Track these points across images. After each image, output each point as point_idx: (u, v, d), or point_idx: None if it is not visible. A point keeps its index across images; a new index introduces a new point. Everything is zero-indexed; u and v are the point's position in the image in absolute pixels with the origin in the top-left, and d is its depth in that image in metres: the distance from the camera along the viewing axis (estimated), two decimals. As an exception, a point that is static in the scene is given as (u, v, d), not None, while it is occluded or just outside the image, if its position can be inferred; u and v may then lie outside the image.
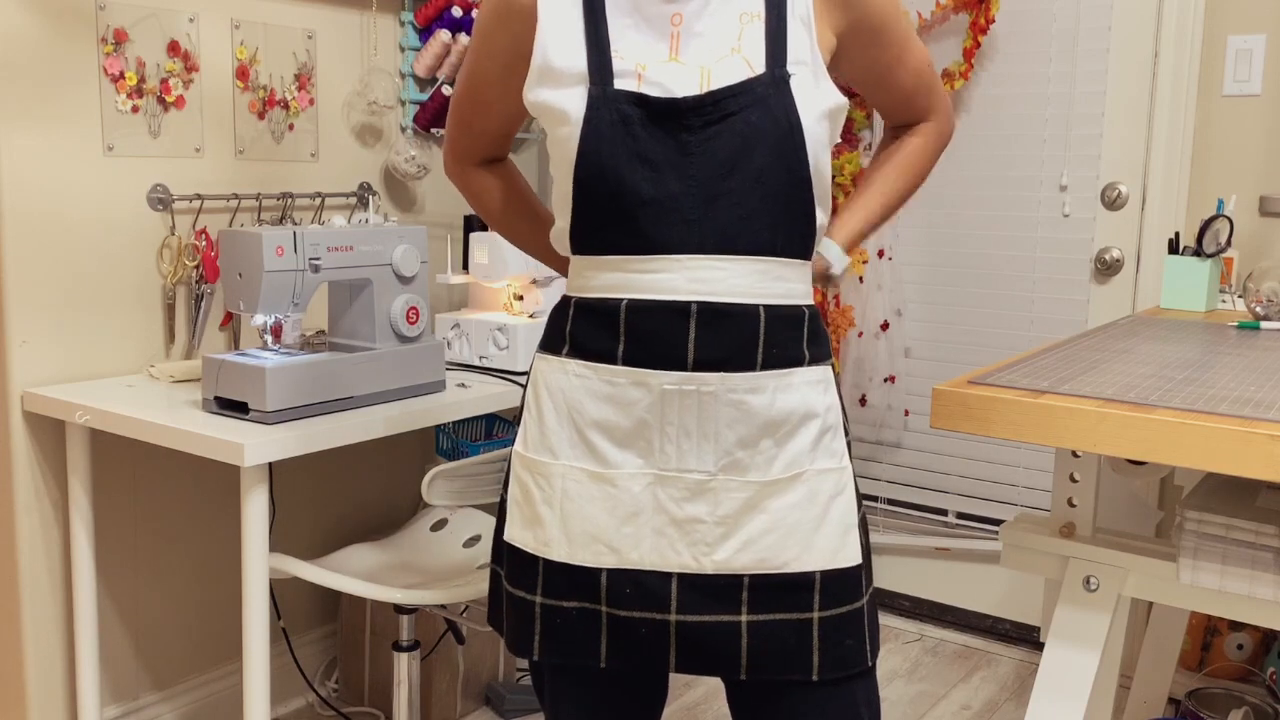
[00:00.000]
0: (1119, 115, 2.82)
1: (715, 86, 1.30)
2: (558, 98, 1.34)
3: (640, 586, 1.35)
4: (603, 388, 1.36)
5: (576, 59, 1.33)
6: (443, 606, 2.12)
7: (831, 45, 1.38)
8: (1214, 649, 2.70)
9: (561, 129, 1.33)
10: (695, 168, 1.30)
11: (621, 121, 1.30)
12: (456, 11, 2.67)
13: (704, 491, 1.34)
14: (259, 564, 1.88)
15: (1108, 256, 2.87)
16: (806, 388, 1.37)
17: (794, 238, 1.35)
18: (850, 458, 1.42)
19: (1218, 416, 1.39)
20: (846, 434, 1.43)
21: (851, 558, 1.38)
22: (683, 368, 1.32)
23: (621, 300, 1.34)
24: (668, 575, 1.35)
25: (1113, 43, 2.81)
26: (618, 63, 1.31)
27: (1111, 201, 2.86)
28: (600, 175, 1.31)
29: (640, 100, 1.30)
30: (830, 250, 1.48)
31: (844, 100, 1.36)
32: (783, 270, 1.35)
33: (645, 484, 1.35)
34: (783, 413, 1.35)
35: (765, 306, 1.34)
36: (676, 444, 1.34)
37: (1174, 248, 2.50)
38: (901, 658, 3.08)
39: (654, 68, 1.31)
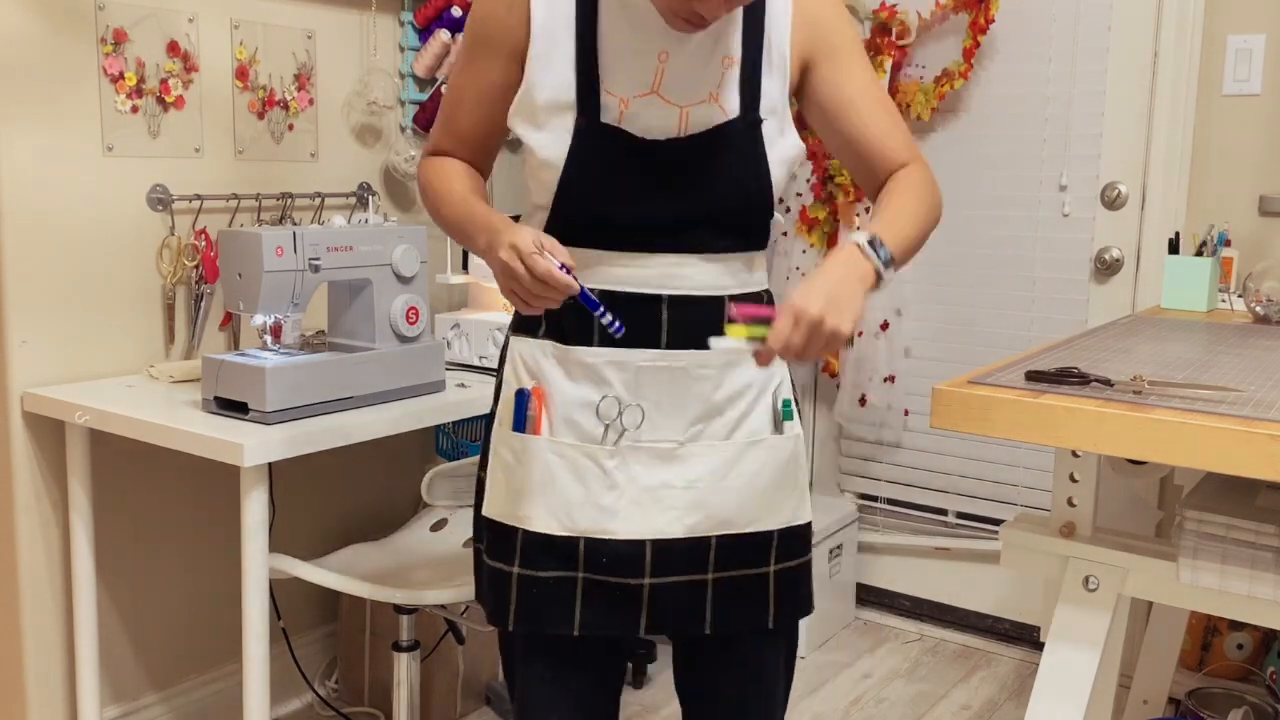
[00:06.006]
0: (1119, 115, 2.82)
1: (693, 130, 1.39)
2: (545, 124, 1.39)
3: (616, 555, 1.44)
4: (579, 367, 1.44)
5: (565, 89, 1.38)
6: (443, 606, 2.12)
7: (795, 81, 1.46)
8: (1214, 649, 2.70)
9: (544, 154, 1.40)
10: (671, 198, 1.40)
11: (604, 155, 1.39)
12: (456, 11, 2.67)
13: (673, 459, 1.44)
14: (259, 564, 1.88)
15: (1108, 256, 2.87)
16: (773, 366, 1.49)
17: (756, 240, 1.48)
18: (800, 423, 1.54)
19: (1218, 416, 1.39)
20: (796, 403, 1.55)
21: (804, 515, 1.53)
22: (657, 346, 1.43)
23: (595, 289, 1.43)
24: (642, 543, 1.44)
25: (1113, 43, 2.81)
26: (604, 96, 1.38)
27: (1111, 201, 2.86)
28: (582, 203, 1.40)
29: (622, 136, 1.38)
30: (856, 237, 1.34)
31: (802, 147, 1.47)
32: (743, 264, 1.47)
33: (621, 456, 1.44)
34: (744, 384, 1.47)
35: (730, 296, 1.46)
36: (650, 416, 1.44)
37: (1174, 247, 2.50)
38: (901, 658, 3.08)
39: (635, 101, 1.39)
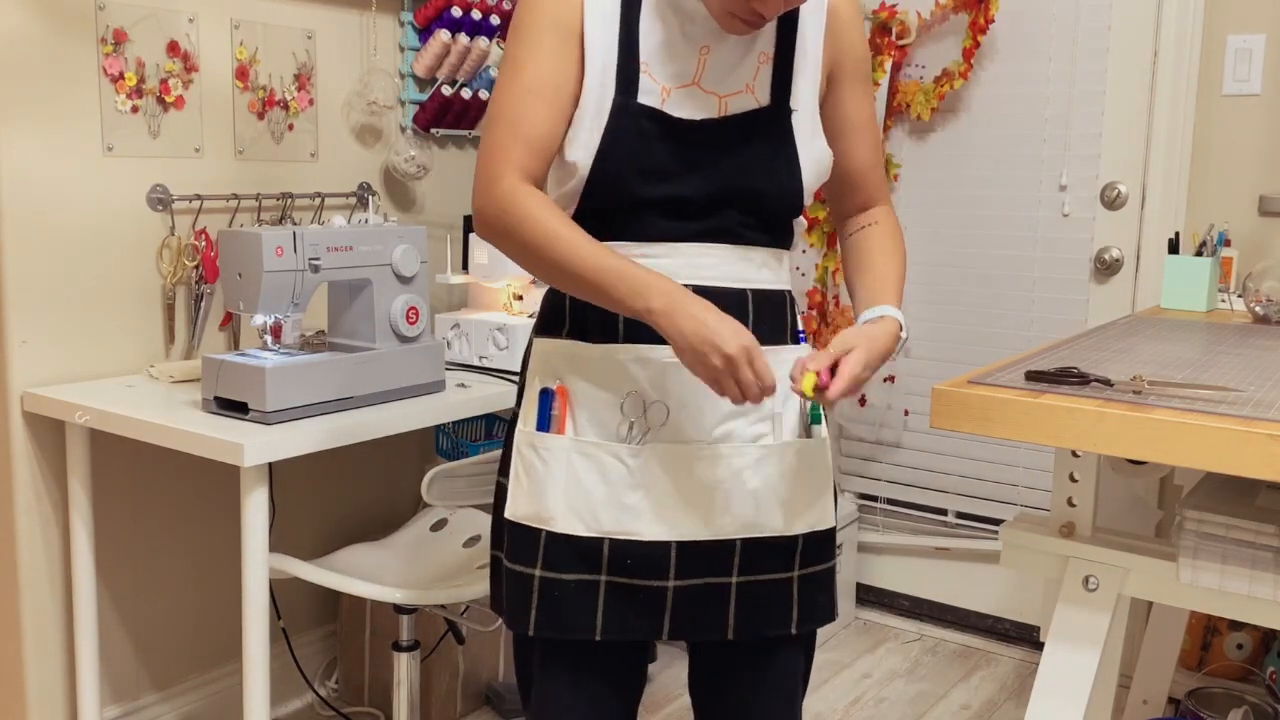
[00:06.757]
0: (1119, 115, 2.82)
1: (730, 114, 1.41)
2: (584, 109, 1.39)
3: (641, 556, 1.42)
4: (604, 364, 1.43)
5: (608, 72, 1.39)
6: (443, 606, 2.12)
7: (823, 90, 1.49)
8: (1214, 649, 2.70)
9: (581, 138, 1.39)
10: (702, 180, 1.40)
11: (639, 133, 1.38)
12: (456, 11, 2.67)
13: (700, 459, 1.43)
14: (259, 564, 1.88)
15: (1107, 256, 2.87)
16: (792, 364, 1.45)
17: (781, 237, 1.48)
18: (828, 427, 1.53)
19: (1217, 416, 1.39)
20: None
21: (828, 521, 1.51)
22: None
23: None
24: (667, 544, 1.43)
25: (1113, 43, 2.81)
26: (645, 80, 1.40)
27: (1111, 201, 2.86)
28: (615, 179, 1.39)
29: (660, 117, 1.39)
30: (892, 312, 1.45)
31: (832, 157, 1.48)
32: (768, 258, 1.46)
33: (646, 455, 1.42)
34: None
35: (752, 290, 1.45)
36: (674, 415, 1.42)
37: (1174, 247, 2.50)
38: (901, 658, 3.08)
39: (679, 90, 1.41)
